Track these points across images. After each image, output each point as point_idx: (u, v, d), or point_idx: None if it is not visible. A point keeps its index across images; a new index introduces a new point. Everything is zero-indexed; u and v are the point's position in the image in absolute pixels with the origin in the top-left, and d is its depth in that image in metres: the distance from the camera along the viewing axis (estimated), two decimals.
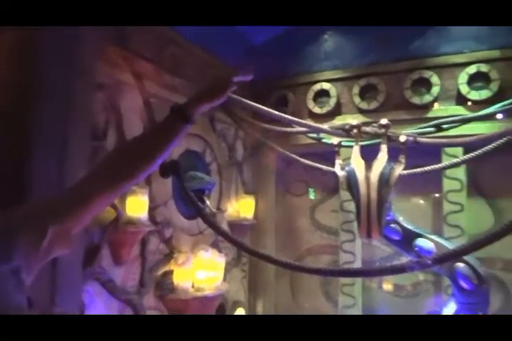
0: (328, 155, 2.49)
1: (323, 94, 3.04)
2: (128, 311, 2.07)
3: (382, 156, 1.94)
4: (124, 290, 2.05)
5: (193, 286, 2.32)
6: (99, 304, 1.88)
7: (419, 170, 2.24)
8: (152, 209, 2.18)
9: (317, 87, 3.05)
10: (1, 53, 1.58)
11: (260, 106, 2.23)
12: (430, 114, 2.70)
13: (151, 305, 2.20)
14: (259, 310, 3.19)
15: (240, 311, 3.00)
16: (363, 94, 2.92)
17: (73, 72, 1.74)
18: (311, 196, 3.29)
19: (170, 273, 2.29)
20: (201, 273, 2.34)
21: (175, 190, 2.40)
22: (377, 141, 2.11)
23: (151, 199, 2.15)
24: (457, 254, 1.56)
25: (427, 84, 2.72)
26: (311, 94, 3.06)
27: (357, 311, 2.86)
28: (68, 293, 1.66)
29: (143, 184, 2.17)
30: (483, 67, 2.56)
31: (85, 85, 1.82)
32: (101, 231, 1.92)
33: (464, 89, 2.60)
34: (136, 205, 2.03)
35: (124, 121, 2.11)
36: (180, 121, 0.99)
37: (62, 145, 1.69)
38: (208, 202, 2.50)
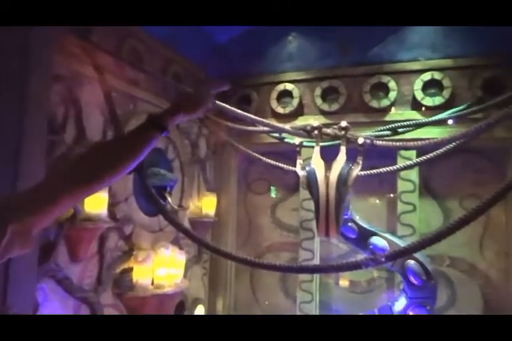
0: (290, 154, 2.55)
1: (287, 94, 3.10)
2: (84, 309, 2.03)
3: (341, 157, 2.02)
4: (80, 287, 2.00)
5: (152, 284, 2.30)
6: (54, 302, 1.84)
7: (375, 171, 2.35)
8: (112, 206, 2.15)
9: (280, 87, 3.10)
10: None
11: (224, 104, 2.26)
12: (387, 118, 2.82)
13: (108, 303, 2.16)
14: (219, 307, 3.21)
15: (200, 308, 3.01)
16: (325, 95, 3.00)
17: (29, 63, 1.68)
18: (273, 194, 3.35)
19: (129, 270, 2.27)
20: (161, 270, 2.33)
21: (136, 186, 2.37)
22: (336, 142, 2.19)
23: (112, 195, 2.12)
24: (408, 251, 1.66)
25: (385, 89, 2.84)
26: (274, 94, 3.11)
27: (314, 307, 2.94)
28: (22, 291, 1.61)
29: None
30: (437, 75, 2.70)
31: (42, 77, 1.77)
32: (57, 227, 1.87)
33: (419, 95, 2.74)
34: (95, 201, 1.99)
35: (83, 115, 2.06)
36: (155, 129, 1.00)
37: (18, 139, 1.63)
38: (169, 199, 2.49)
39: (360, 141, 2.03)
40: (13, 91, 1.63)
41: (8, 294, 1.55)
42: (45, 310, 1.77)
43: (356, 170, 1.98)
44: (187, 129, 2.99)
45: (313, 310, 2.93)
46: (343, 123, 2.10)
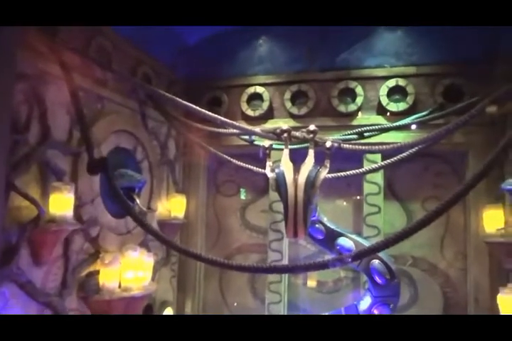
0: (258, 156, 2.57)
1: (257, 97, 3.13)
2: (47, 314, 1.97)
3: (309, 160, 2.06)
4: (43, 292, 1.94)
5: (119, 286, 2.26)
6: (15, 307, 1.77)
7: (342, 174, 2.41)
8: (78, 207, 2.10)
9: (251, 90, 3.13)
10: None
11: (194, 106, 2.26)
12: (354, 122, 2.90)
13: (73, 307, 2.11)
14: (188, 309, 3.19)
15: (168, 311, 2.98)
16: (294, 99, 3.05)
17: None
18: (242, 196, 3.36)
19: (95, 273, 2.22)
20: (129, 273, 2.30)
21: (103, 188, 2.33)
22: (305, 145, 2.24)
23: (77, 197, 2.07)
24: (372, 251, 1.72)
25: (352, 94, 2.92)
26: (244, 97, 3.13)
27: (282, 307, 2.97)
28: None
29: (68, 180, 2.08)
30: (401, 82, 2.81)
31: (5, 75, 1.71)
32: (20, 229, 1.81)
33: (384, 100, 2.83)
34: (60, 203, 1.94)
35: (48, 114, 2.01)
36: None
37: None
38: (137, 201, 2.46)
39: (328, 144, 2.09)
40: None
41: None
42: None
43: (324, 173, 2.03)
44: (155, 130, 2.96)
45: (281, 310, 2.96)
46: (312, 127, 2.15)
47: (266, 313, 2.97)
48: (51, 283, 2.00)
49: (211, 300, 3.30)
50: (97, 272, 2.23)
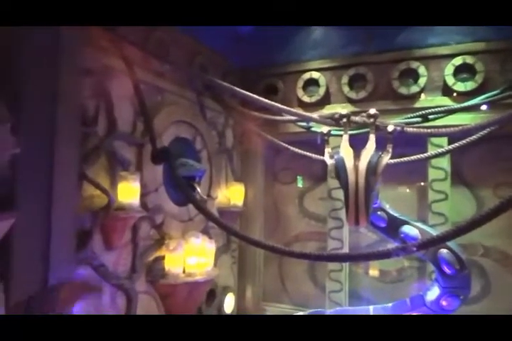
0: (316, 143, 2.53)
1: (313, 83, 3.07)
2: (120, 295, 2.10)
3: (371, 145, 1.99)
4: (115, 275, 2.07)
5: (184, 272, 2.35)
6: None
7: (405, 159, 2.31)
8: (143, 196, 2.19)
9: (307, 75, 3.07)
10: None
11: (251, 94, 2.26)
12: (417, 105, 2.75)
13: (142, 290, 2.23)
14: (249, 295, 3.25)
15: (230, 296, 3.06)
16: (352, 83, 2.95)
17: (59, 57, 1.72)
18: (299, 184, 3.34)
19: (161, 258, 2.32)
20: (192, 258, 2.38)
21: (166, 177, 2.41)
22: (365, 130, 2.16)
23: (143, 186, 2.16)
24: (440, 240, 1.63)
25: (414, 75, 2.77)
26: (300, 83, 3.08)
27: (344, 296, 2.94)
28: (62, 277, 1.68)
29: (134, 170, 2.18)
30: (469, 59, 2.61)
31: (73, 71, 1.81)
32: (92, 217, 1.93)
33: (450, 80, 2.65)
34: (128, 191, 2.04)
35: (114, 107, 2.11)
36: None
37: (53, 132, 1.69)
38: (198, 189, 2.52)
39: (390, 128, 2.00)
40: (45, 86, 1.68)
41: (49, 280, 1.62)
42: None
43: (386, 159, 1.96)
44: (213, 120, 3.01)
45: (342, 299, 2.93)
46: (372, 111, 2.07)
47: (327, 302, 2.95)
48: (122, 267, 2.12)
49: (271, 287, 3.34)
50: (163, 257, 2.33)
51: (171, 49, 2.52)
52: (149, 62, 2.34)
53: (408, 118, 2.35)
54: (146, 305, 2.26)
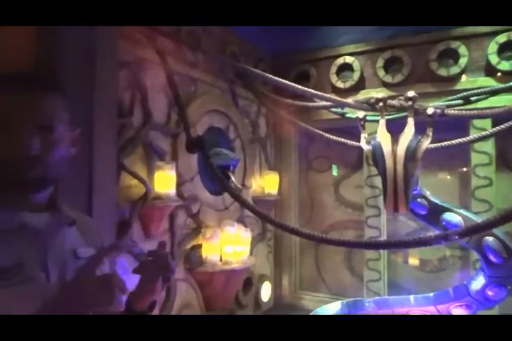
0: (350, 130, 2.47)
1: (346, 67, 2.99)
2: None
3: (409, 129, 1.91)
4: None
5: (221, 260, 2.38)
6: (133, 275, 1.96)
7: (446, 143, 2.21)
8: (179, 185, 2.22)
9: (340, 60, 2.99)
10: (26, 38, 1.60)
11: (283, 80, 2.23)
12: (458, 86, 2.62)
13: (180, 278, 2.28)
14: (285, 284, 3.26)
15: (267, 285, 3.08)
16: (387, 67, 2.85)
17: (95, 51, 1.75)
18: (334, 172, 3.29)
19: (198, 246, 2.36)
20: (228, 247, 2.40)
21: (200, 167, 2.43)
22: (403, 114, 2.08)
23: (178, 175, 2.19)
24: (485, 227, 1.55)
25: (453, 55, 2.64)
26: (333, 69, 3.01)
27: (382, 285, 2.89)
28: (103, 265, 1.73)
29: (169, 159, 2.21)
30: None
31: (108, 64, 1.84)
32: (131, 206, 1.98)
33: (494, 59, 2.51)
34: (164, 181, 2.07)
35: (149, 98, 2.13)
36: None
37: (90, 124, 1.73)
38: (233, 178, 2.53)
39: (430, 111, 1.92)
40: (82, 79, 1.72)
41: None
42: (128, 283, 1.89)
43: (426, 143, 1.88)
44: (246, 108, 3.00)
45: (381, 288, 2.88)
46: (411, 93, 1.99)
47: (365, 291, 2.91)
48: None
49: (307, 275, 3.32)
50: (200, 246, 2.36)
51: (202, 39, 2.52)
52: (182, 53, 2.35)
53: (448, 100, 2.25)
54: (185, 293, 2.31)
